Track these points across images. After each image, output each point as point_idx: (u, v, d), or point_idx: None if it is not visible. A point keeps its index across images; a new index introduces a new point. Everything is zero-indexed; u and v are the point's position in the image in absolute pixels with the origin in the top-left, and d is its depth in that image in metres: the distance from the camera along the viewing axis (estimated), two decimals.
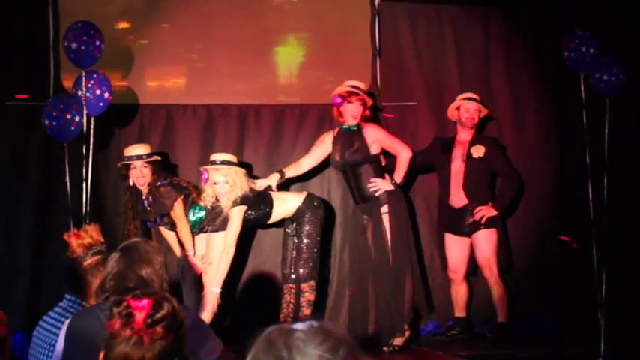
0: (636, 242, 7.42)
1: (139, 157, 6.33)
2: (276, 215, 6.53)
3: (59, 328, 3.41)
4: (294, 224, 6.56)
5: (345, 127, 6.68)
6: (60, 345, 3.06)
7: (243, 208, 6.33)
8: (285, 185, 6.92)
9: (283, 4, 7.41)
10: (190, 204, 6.43)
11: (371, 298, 6.73)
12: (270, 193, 6.57)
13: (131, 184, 6.42)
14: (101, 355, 2.28)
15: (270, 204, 6.46)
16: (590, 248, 6.78)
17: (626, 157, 7.26)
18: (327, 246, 7.16)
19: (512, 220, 7.47)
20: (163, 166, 6.59)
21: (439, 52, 7.60)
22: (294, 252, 6.51)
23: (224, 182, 6.31)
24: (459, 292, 7.07)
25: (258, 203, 6.42)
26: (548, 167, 7.62)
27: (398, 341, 6.58)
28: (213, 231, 6.44)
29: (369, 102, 6.73)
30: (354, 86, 6.70)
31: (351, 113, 6.63)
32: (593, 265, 6.78)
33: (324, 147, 6.80)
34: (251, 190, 6.41)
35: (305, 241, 6.45)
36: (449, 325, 7.11)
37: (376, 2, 7.47)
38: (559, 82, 7.50)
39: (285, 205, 6.52)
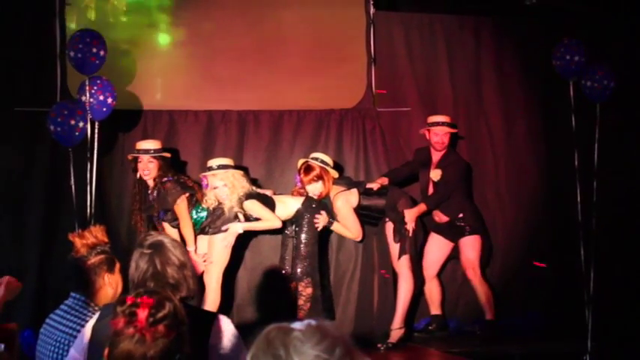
0: (622, 243, 7.42)
1: (146, 151, 6.40)
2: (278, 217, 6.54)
3: (65, 325, 3.41)
4: (294, 226, 6.57)
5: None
6: (85, 338, 2.99)
7: (254, 200, 6.37)
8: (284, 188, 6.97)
9: (282, 14, 7.40)
10: (194, 203, 6.45)
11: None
12: (272, 196, 6.60)
13: (138, 177, 6.46)
14: (106, 352, 2.28)
15: (272, 206, 6.48)
16: (578, 248, 6.78)
17: (614, 161, 7.26)
18: (325, 246, 7.18)
19: (501, 220, 7.48)
20: (172, 164, 6.60)
21: (432, 59, 7.60)
22: (293, 252, 6.52)
23: (223, 186, 6.35)
24: (432, 290, 7.06)
25: (262, 202, 6.45)
26: (538, 170, 7.62)
27: (392, 339, 6.58)
28: (213, 233, 6.44)
29: (329, 176, 6.54)
30: (312, 161, 6.54)
31: (312, 192, 6.55)
32: (580, 264, 6.77)
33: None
34: (252, 189, 6.45)
35: (304, 241, 6.47)
36: (426, 323, 7.10)
37: (371, 11, 7.48)
38: (549, 89, 7.50)
39: (286, 207, 6.54)
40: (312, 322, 1.67)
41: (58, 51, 6.89)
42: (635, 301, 7.19)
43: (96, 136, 6.37)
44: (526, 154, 7.61)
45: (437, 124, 6.92)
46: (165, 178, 6.39)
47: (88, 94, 6.26)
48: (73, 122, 6.25)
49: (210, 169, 6.40)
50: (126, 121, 6.98)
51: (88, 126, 6.30)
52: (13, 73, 6.85)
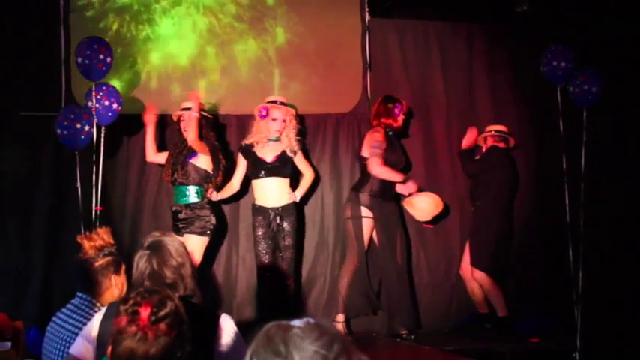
0: (610, 243, 7.43)
1: (188, 109, 6.44)
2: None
3: (71, 324, 3.41)
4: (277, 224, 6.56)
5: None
6: (93, 331, 2.98)
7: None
8: None
9: (280, 21, 7.39)
10: (204, 190, 6.39)
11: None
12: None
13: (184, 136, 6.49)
14: (109, 350, 2.28)
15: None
16: (567, 248, 6.78)
17: (600, 163, 7.26)
18: (322, 247, 7.18)
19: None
20: (214, 126, 6.67)
21: (426, 65, 7.60)
22: (277, 252, 6.51)
23: (282, 120, 6.56)
24: (473, 289, 7.02)
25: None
26: (528, 172, 7.62)
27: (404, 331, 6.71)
28: (188, 232, 6.36)
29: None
30: None
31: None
32: (569, 264, 6.77)
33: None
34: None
35: (286, 243, 6.46)
36: (478, 317, 7.04)
37: (366, 19, 7.48)
38: (538, 93, 7.50)
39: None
40: (311, 319, 1.69)
41: (63, 57, 6.89)
42: (622, 299, 7.20)
43: (102, 140, 6.36)
44: (516, 156, 7.60)
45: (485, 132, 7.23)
46: (205, 140, 6.43)
47: (94, 100, 6.26)
48: (78, 126, 6.24)
49: (275, 102, 6.62)
50: (129, 125, 6.95)
51: (94, 130, 6.29)
52: (19, 79, 6.85)
